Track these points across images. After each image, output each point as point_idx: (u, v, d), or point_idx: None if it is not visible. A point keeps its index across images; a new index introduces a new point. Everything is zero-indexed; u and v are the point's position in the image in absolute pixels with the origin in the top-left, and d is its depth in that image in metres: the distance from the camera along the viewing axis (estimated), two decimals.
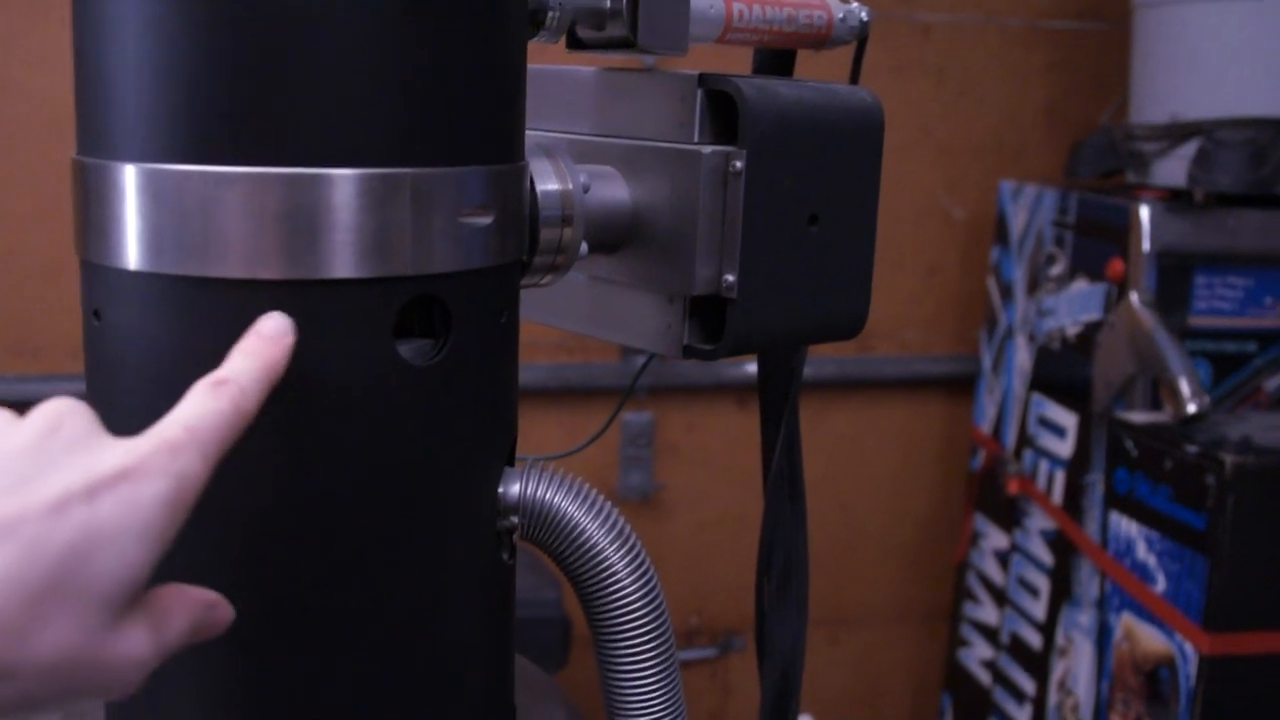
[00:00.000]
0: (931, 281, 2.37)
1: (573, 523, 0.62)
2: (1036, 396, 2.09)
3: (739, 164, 0.66)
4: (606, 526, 0.63)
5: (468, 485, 0.60)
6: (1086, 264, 1.95)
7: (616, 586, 0.63)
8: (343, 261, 0.52)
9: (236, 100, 0.51)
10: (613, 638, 0.64)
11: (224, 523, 0.54)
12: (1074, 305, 1.97)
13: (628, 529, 0.64)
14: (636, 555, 0.63)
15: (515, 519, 0.62)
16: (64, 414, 0.45)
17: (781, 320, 0.71)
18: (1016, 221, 2.16)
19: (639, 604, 0.63)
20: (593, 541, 0.62)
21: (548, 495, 0.62)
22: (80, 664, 0.42)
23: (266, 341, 0.50)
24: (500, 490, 0.62)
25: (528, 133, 0.63)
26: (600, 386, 2.19)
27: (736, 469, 2.29)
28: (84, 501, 0.42)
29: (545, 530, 0.62)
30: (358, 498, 0.55)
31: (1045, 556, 2.04)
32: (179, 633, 0.46)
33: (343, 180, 0.52)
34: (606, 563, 0.63)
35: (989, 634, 2.23)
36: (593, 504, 0.63)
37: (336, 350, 0.53)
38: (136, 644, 0.44)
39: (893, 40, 2.26)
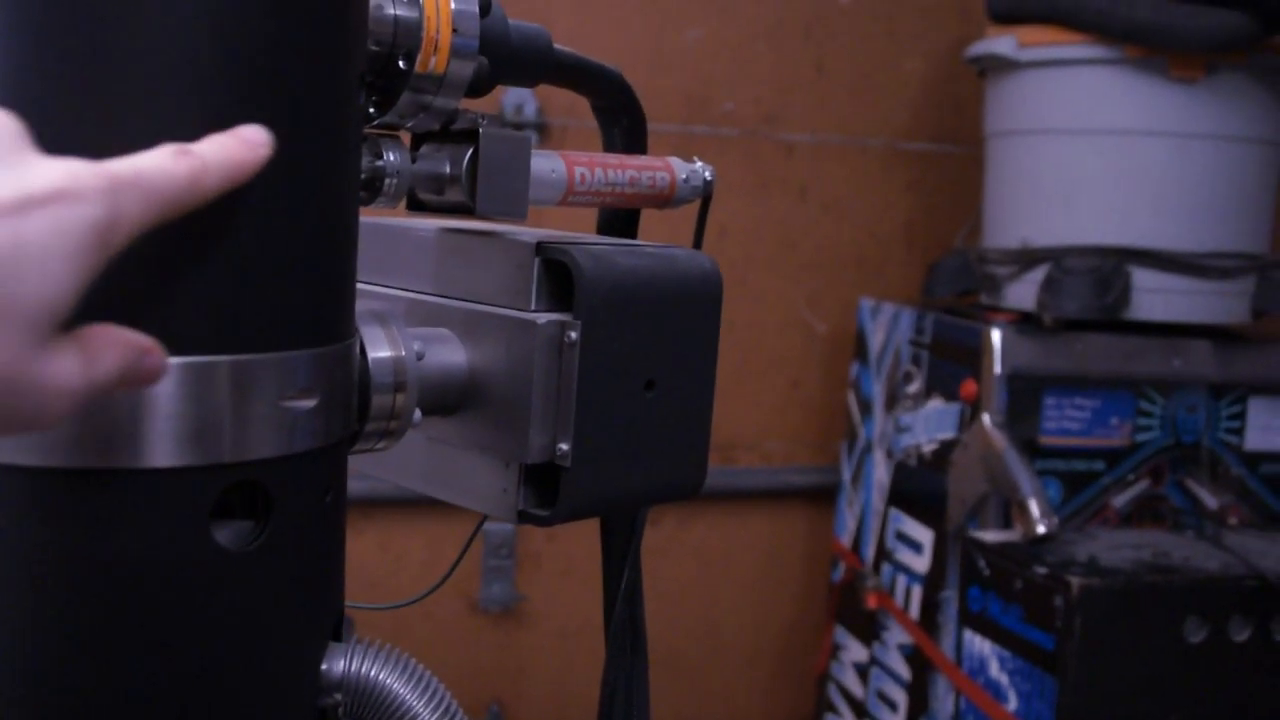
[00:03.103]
0: (794, 394, 2.41)
1: (397, 701, 0.61)
2: (894, 511, 2.12)
3: (574, 334, 0.66)
4: (433, 705, 0.62)
5: (287, 667, 0.58)
6: (941, 383, 1.99)
7: None
8: (159, 450, 0.51)
9: None
10: None
11: (31, 714, 0.52)
12: (930, 423, 2.01)
13: (454, 706, 0.63)
14: None
15: (339, 696, 0.61)
16: None
17: (617, 485, 0.71)
18: (875, 339, 2.20)
19: None
20: None
21: (372, 672, 0.61)
22: (4, 382, 0.41)
23: (241, 142, 0.50)
24: (324, 667, 0.61)
25: (363, 292, 0.63)
26: None
27: (599, 579, 2.28)
28: (14, 214, 0.41)
29: (369, 708, 0.61)
30: (169, 686, 0.54)
31: (903, 671, 2.06)
32: (110, 371, 0.45)
33: None
34: None
35: None
36: (419, 681, 0.62)
37: (150, 538, 0.52)
38: (65, 372, 0.43)
39: (757, 158, 2.30)
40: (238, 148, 0.49)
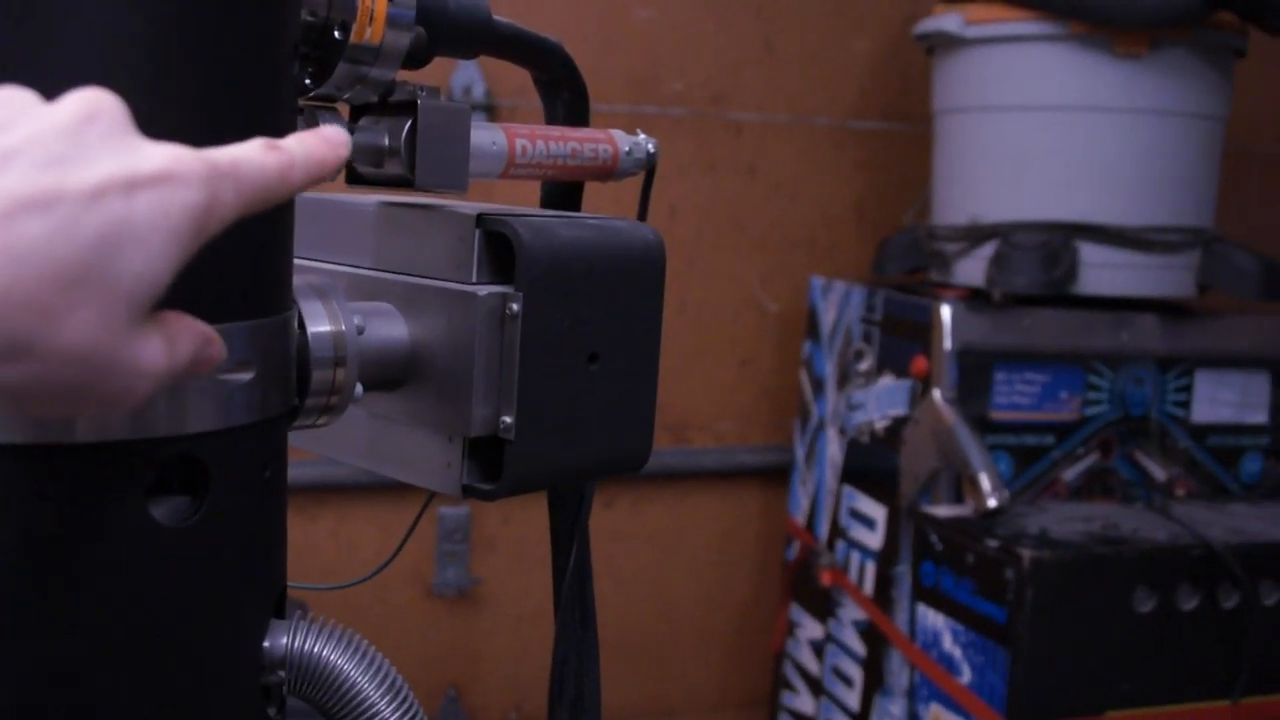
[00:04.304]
0: (746, 373, 2.41)
1: (342, 677, 0.61)
2: (847, 488, 2.13)
3: (516, 306, 0.66)
4: (378, 680, 0.61)
5: (228, 643, 0.58)
6: (892, 360, 2.00)
7: None
8: (93, 424, 0.50)
9: None
10: None
11: None
12: (881, 400, 2.02)
13: (400, 681, 0.62)
14: (410, 709, 0.62)
15: (282, 673, 0.61)
16: (101, 104, 0.43)
17: (562, 459, 0.70)
18: (827, 317, 2.21)
19: None
20: (363, 696, 0.61)
21: (316, 648, 0.60)
22: (99, 358, 0.42)
23: (324, 142, 0.51)
24: (266, 644, 0.60)
25: (303, 267, 0.63)
26: None
27: None
28: (122, 193, 0.41)
29: (313, 685, 0.61)
30: (110, 661, 0.53)
31: (858, 647, 2.07)
32: (186, 356, 0.46)
33: None
34: (378, 718, 0.61)
35: None
36: (364, 656, 0.61)
37: (86, 514, 0.51)
38: (153, 354, 0.44)
39: (706, 138, 2.30)
40: (320, 145, 0.50)
